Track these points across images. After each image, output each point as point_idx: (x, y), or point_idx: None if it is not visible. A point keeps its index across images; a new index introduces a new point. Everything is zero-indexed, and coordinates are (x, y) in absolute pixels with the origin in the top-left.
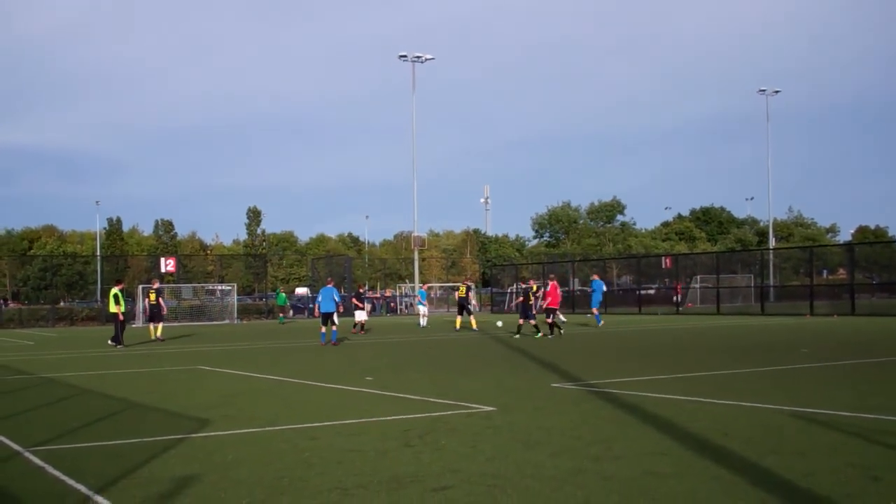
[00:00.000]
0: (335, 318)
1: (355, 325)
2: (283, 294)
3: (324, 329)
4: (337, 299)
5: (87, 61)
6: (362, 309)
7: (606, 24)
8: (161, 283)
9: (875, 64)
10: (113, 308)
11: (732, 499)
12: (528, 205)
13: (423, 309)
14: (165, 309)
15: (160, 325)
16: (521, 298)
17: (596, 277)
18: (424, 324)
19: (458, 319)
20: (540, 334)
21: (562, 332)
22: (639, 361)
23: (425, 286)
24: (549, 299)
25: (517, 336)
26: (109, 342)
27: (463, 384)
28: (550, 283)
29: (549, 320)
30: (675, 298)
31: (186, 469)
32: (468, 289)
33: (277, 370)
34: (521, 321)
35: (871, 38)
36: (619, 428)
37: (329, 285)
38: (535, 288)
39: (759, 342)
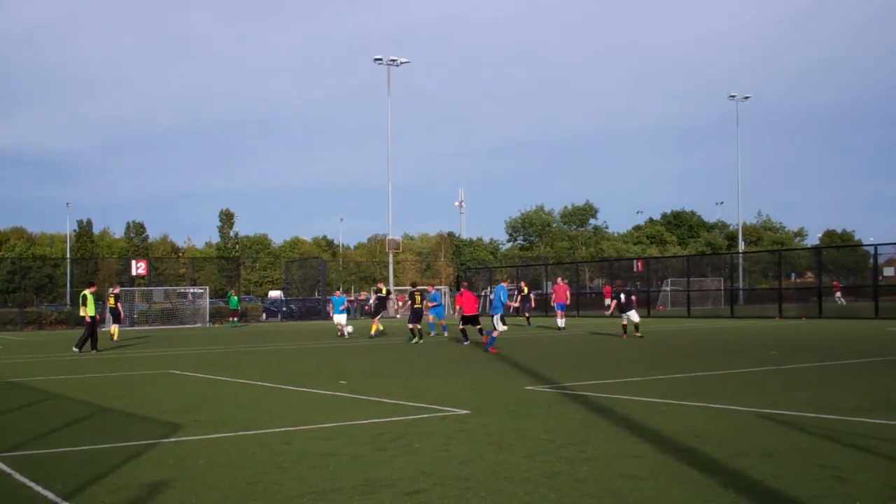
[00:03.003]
0: (497, 321)
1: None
2: (236, 297)
3: (495, 333)
4: (503, 299)
5: (58, 62)
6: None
7: (579, 29)
8: (132, 286)
9: (844, 69)
10: (83, 311)
11: (704, 500)
12: (502, 208)
13: (339, 318)
14: (123, 313)
15: (116, 328)
16: (409, 302)
17: (431, 290)
18: (347, 333)
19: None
20: (415, 340)
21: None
22: (610, 364)
23: (338, 293)
24: (461, 305)
25: (419, 341)
26: (93, 352)
27: (436, 387)
28: (465, 291)
29: (463, 327)
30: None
31: (157, 474)
32: (388, 292)
33: (250, 374)
34: (411, 326)
35: (839, 44)
36: (592, 430)
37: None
38: (525, 290)
39: (729, 345)
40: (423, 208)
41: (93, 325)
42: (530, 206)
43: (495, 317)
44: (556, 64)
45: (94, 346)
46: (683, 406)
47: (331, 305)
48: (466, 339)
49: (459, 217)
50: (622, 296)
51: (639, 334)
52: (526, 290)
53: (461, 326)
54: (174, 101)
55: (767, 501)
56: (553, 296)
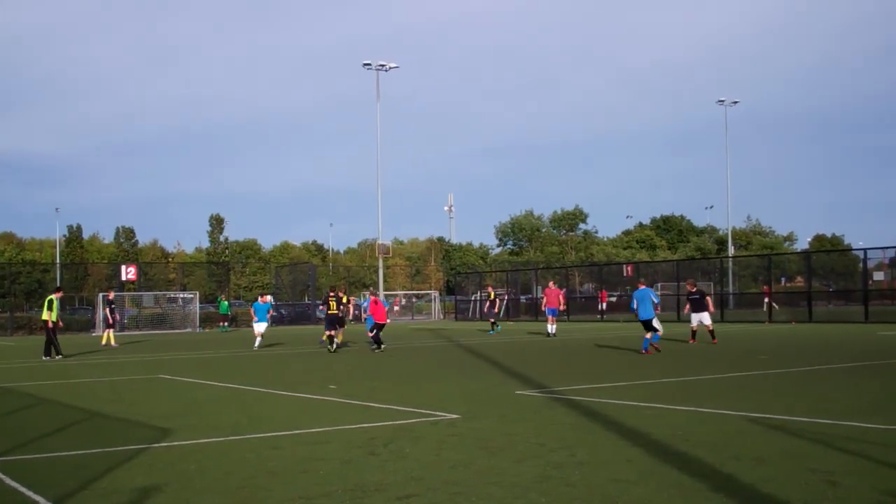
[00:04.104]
0: (656, 323)
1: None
2: (226, 302)
3: (649, 335)
4: (656, 300)
5: (48, 65)
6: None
7: (569, 32)
8: (122, 290)
9: (834, 72)
10: (45, 315)
11: None
12: (492, 213)
13: (259, 328)
14: (111, 319)
15: (110, 333)
16: (323, 307)
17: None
18: (256, 345)
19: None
20: (333, 347)
21: (382, 347)
22: (600, 368)
23: (263, 298)
24: (372, 314)
25: (334, 349)
26: (49, 358)
27: (427, 392)
28: (371, 297)
29: (371, 333)
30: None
31: (148, 479)
32: (349, 300)
33: (240, 378)
34: (331, 333)
35: (829, 47)
36: (583, 435)
37: (642, 287)
38: (492, 295)
39: (719, 349)
40: (414, 213)
41: (54, 330)
42: (520, 211)
43: (654, 320)
44: (545, 67)
45: (57, 352)
46: (674, 410)
47: (253, 311)
48: (378, 346)
49: (449, 221)
50: (696, 296)
51: (714, 341)
52: (493, 294)
53: (372, 333)
54: (164, 106)
55: None
56: (544, 300)
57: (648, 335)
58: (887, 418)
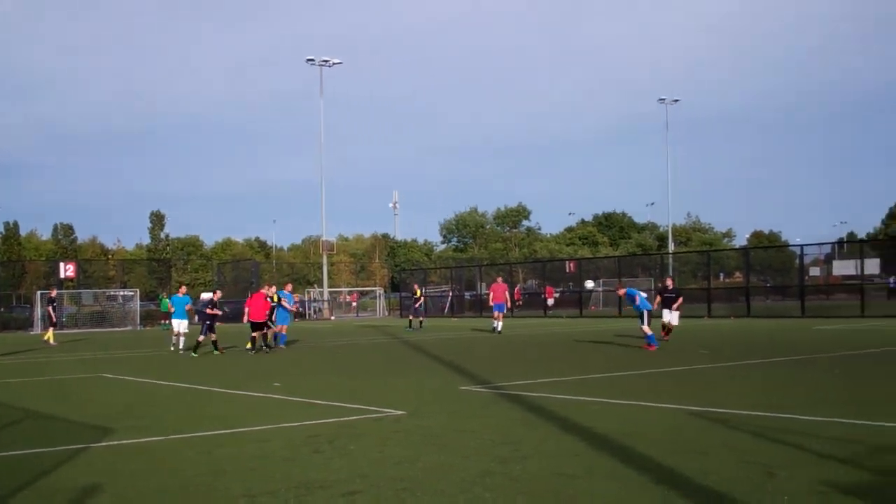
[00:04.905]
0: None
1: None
2: (167, 300)
3: (647, 329)
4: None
5: None
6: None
7: (512, 34)
8: (60, 288)
9: (772, 73)
10: None
11: (637, 498)
12: (437, 210)
13: (179, 325)
14: (54, 317)
15: (51, 331)
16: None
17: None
18: (181, 345)
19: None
20: (196, 353)
21: (265, 348)
22: (544, 364)
23: (183, 290)
24: (247, 310)
25: (194, 354)
26: None
27: (372, 388)
28: (255, 294)
29: (255, 334)
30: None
31: (89, 479)
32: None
33: (183, 377)
34: (211, 336)
35: (767, 47)
36: (527, 429)
37: (630, 287)
38: (417, 293)
39: (660, 344)
40: (358, 210)
41: None
42: (464, 208)
43: (645, 314)
44: (489, 67)
45: None
46: (617, 405)
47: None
48: (254, 349)
49: (394, 218)
50: (672, 294)
51: (667, 338)
52: (419, 292)
53: (253, 334)
54: (102, 102)
55: (699, 497)
56: (491, 296)
57: (647, 329)
58: (824, 411)
